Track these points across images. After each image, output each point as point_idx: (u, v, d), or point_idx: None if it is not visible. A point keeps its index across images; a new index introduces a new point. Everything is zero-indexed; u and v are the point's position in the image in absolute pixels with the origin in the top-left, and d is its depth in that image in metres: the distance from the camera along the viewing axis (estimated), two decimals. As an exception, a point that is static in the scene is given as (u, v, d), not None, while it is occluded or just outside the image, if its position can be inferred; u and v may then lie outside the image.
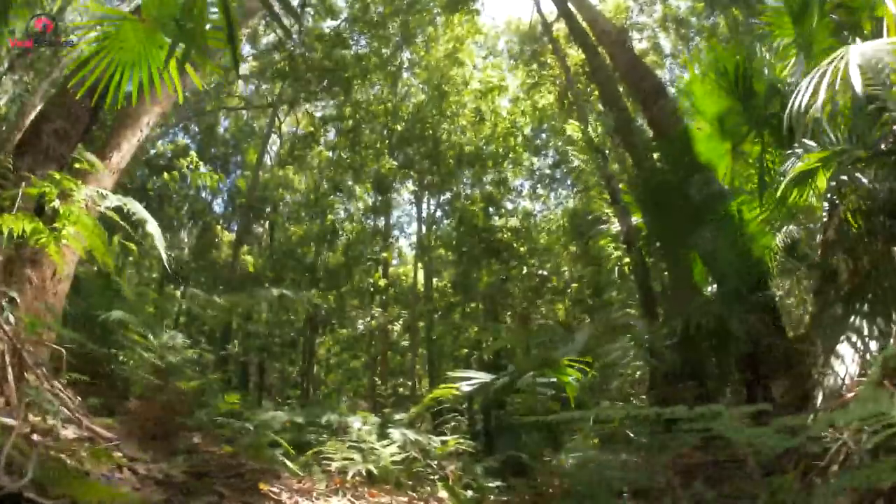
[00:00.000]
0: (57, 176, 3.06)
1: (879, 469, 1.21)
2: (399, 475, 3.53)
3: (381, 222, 16.99)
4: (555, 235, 14.83)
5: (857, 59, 2.66)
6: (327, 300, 13.81)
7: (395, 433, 4.18)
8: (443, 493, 3.38)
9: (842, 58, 2.75)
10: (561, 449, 4.22)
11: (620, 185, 4.70)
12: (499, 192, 14.67)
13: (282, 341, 15.31)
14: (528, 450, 3.94)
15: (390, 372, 15.84)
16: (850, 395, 2.14)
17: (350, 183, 15.62)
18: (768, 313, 4.11)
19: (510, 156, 14.61)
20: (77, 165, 3.80)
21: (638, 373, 3.68)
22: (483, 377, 3.60)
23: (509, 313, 12.73)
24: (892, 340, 2.41)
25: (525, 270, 13.08)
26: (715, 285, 4.30)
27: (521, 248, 13.49)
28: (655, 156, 5.00)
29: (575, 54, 11.75)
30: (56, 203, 3.06)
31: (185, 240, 17.78)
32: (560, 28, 11.97)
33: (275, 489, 2.50)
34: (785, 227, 4.23)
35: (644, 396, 3.77)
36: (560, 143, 15.22)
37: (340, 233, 15.83)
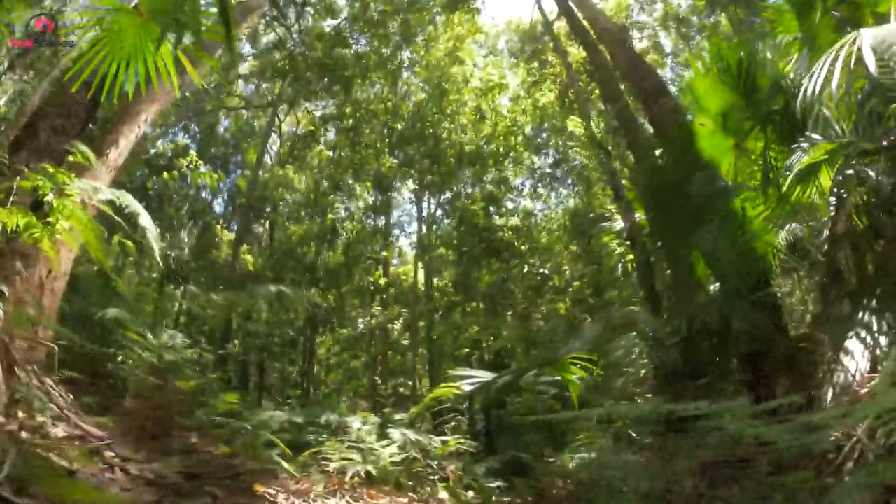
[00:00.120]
0: (51, 169, 3.01)
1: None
2: (399, 476, 3.48)
3: (382, 222, 16.96)
4: (556, 235, 14.78)
5: (870, 41, 2.61)
6: (327, 299, 13.77)
7: (395, 433, 4.14)
8: (443, 494, 3.33)
9: (853, 41, 2.70)
10: (563, 449, 4.17)
11: (623, 182, 4.65)
12: (499, 191, 14.63)
13: (281, 341, 15.28)
14: (530, 450, 3.89)
15: (391, 372, 15.80)
16: (862, 391, 2.09)
17: (350, 182, 15.58)
18: (771, 312, 4.06)
19: (511, 155, 14.56)
20: (71, 158, 3.75)
21: (642, 371, 3.62)
22: (484, 376, 3.55)
23: (510, 313, 12.68)
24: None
25: (526, 269, 13.03)
26: (717, 284, 4.25)
27: (522, 247, 13.44)
28: (657, 153, 4.95)
29: (576, 52, 11.71)
30: (50, 197, 3.02)
31: (185, 239, 17.76)
32: (561, 26, 11.93)
33: (271, 490, 2.45)
34: (788, 225, 4.19)
35: (648, 396, 3.71)
36: (561, 142, 15.19)
37: (340, 232, 15.79)
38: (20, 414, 2.21)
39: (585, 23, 9.08)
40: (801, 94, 2.97)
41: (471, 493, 3.61)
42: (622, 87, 8.64)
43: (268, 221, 17.33)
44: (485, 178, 14.79)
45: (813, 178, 3.87)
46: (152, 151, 15.26)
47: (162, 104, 4.80)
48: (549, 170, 16.71)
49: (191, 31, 2.34)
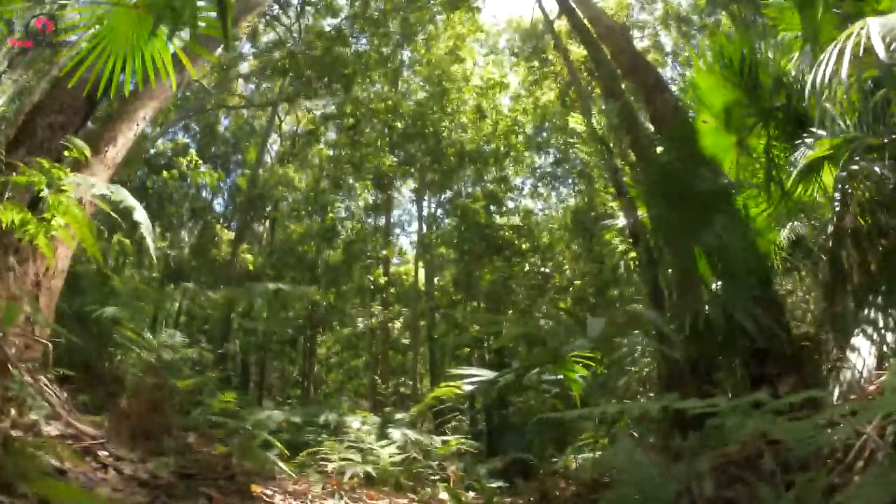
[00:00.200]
0: (46, 164, 2.98)
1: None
2: (399, 476, 3.44)
3: (382, 221, 16.94)
4: (557, 234, 14.75)
5: (878, 28, 2.57)
6: (327, 298, 13.75)
7: (396, 433, 4.10)
8: (444, 495, 3.29)
9: (861, 29, 2.66)
10: (565, 449, 4.13)
11: (625, 179, 4.61)
12: (500, 189, 14.59)
13: (281, 339, 15.27)
14: (533, 450, 3.86)
15: (391, 371, 15.77)
16: (870, 388, 2.05)
17: (350, 181, 15.55)
18: (774, 310, 4.03)
19: (511, 154, 14.53)
20: (67, 154, 3.72)
21: (646, 370, 3.58)
22: (486, 374, 3.50)
23: (511, 311, 12.64)
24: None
25: (527, 268, 13.00)
26: (720, 282, 4.22)
27: (524, 246, 13.41)
28: (659, 150, 4.91)
29: (577, 51, 11.67)
30: (45, 192, 2.98)
31: (185, 239, 17.75)
32: (561, 25, 11.89)
33: (268, 491, 2.41)
34: (790, 224, 4.16)
35: (651, 395, 3.67)
36: (561, 141, 15.15)
37: (340, 230, 15.78)
38: (12, 412, 2.18)
39: (586, 21, 9.06)
40: (809, 82, 2.92)
41: (472, 494, 3.57)
42: (623, 85, 8.61)
43: (268, 220, 17.31)
44: (486, 176, 14.75)
45: (815, 175, 3.84)
46: (152, 151, 15.25)
47: (161, 102, 4.76)
48: (549, 169, 16.68)
49: (187, 24, 2.30)
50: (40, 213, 3.10)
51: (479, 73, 14.63)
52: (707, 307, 3.67)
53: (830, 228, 3.21)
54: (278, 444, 3.56)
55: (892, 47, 2.53)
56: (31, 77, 14.27)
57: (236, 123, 17.93)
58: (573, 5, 9.41)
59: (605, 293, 10.83)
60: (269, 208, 16.80)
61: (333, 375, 18.40)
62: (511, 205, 15.48)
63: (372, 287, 15.02)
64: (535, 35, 14.69)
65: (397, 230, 19.15)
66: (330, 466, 3.26)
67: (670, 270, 4.29)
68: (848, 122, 3.23)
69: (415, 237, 17.41)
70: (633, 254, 4.55)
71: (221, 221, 17.43)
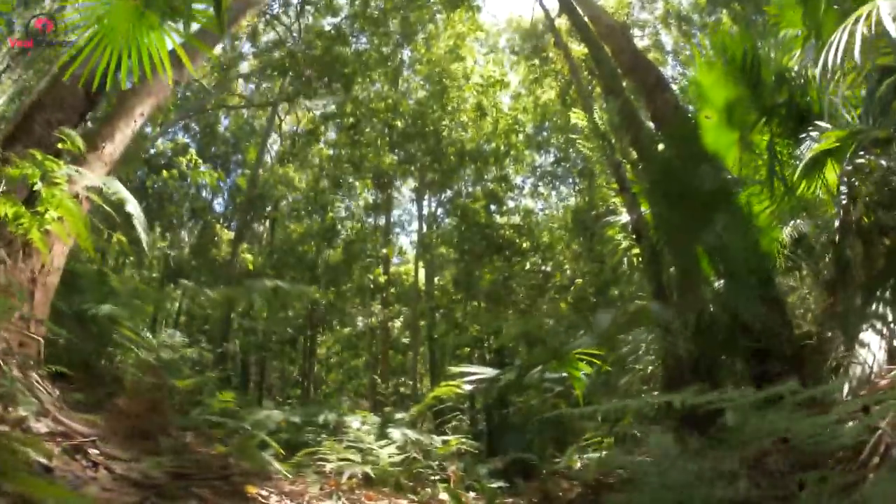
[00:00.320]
0: (39, 156, 2.94)
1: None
2: (398, 476, 3.40)
3: (382, 220, 16.91)
4: (557, 234, 14.71)
5: (889, 9, 2.53)
6: (327, 297, 13.72)
7: (395, 433, 4.06)
8: (444, 496, 3.25)
9: (869, 13, 2.62)
10: (566, 449, 4.10)
11: (628, 175, 4.58)
12: (501, 188, 14.55)
13: (281, 339, 15.25)
14: (533, 450, 3.81)
15: (391, 371, 15.74)
16: (882, 382, 2.02)
17: (350, 180, 15.52)
18: (776, 309, 4.00)
19: (512, 153, 14.49)
20: (60, 146, 3.68)
21: (650, 368, 3.55)
22: (487, 372, 3.46)
23: (511, 311, 12.60)
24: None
25: (528, 266, 12.96)
26: (722, 280, 4.19)
27: (524, 245, 13.37)
28: (661, 147, 4.88)
29: (577, 49, 11.64)
30: (39, 185, 2.95)
31: (185, 238, 17.73)
32: (561, 23, 11.87)
33: (263, 492, 2.37)
34: (793, 221, 4.13)
35: (655, 394, 3.63)
36: (562, 140, 15.11)
37: (340, 228, 15.75)
38: (0, 407, 2.15)
39: (587, 19, 9.03)
40: (819, 65, 2.87)
41: (472, 495, 3.53)
42: (624, 84, 8.59)
43: (268, 220, 17.30)
44: (486, 176, 14.72)
45: (818, 172, 3.81)
46: (152, 151, 15.23)
47: (159, 99, 4.73)
48: (549, 168, 16.66)
49: (181, 14, 2.27)
50: (35, 208, 3.07)
51: (480, 72, 14.59)
52: (709, 306, 3.64)
53: (837, 223, 3.17)
54: (274, 444, 3.52)
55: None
56: (31, 77, 14.27)
57: (236, 123, 17.91)
58: (574, 4, 9.38)
59: (606, 293, 10.79)
60: (269, 208, 16.78)
61: (333, 375, 18.37)
62: (511, 204, 15.46)
63: (372, 286, 14.99)
64: (535, 35, 14.66)
65: (397, 230, 19.14)
66: (328, 467, 3.22)
67: (672, 269, 4.26)
68: (854, 114, 3.19)
69: (415, 237, 17.39)
70: (635, 250, 4.51)
71: (221, 221, 17.41)
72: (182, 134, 16.81)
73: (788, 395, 1.36)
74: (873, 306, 2.43)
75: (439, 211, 16.43)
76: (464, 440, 4.32)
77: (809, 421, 1.31)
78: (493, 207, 14.38)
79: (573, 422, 4.94)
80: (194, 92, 15.34)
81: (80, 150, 3.63)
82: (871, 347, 2.24)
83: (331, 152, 15.69)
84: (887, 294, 2.44)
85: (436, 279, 15.85)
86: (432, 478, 3.70)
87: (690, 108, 4.84)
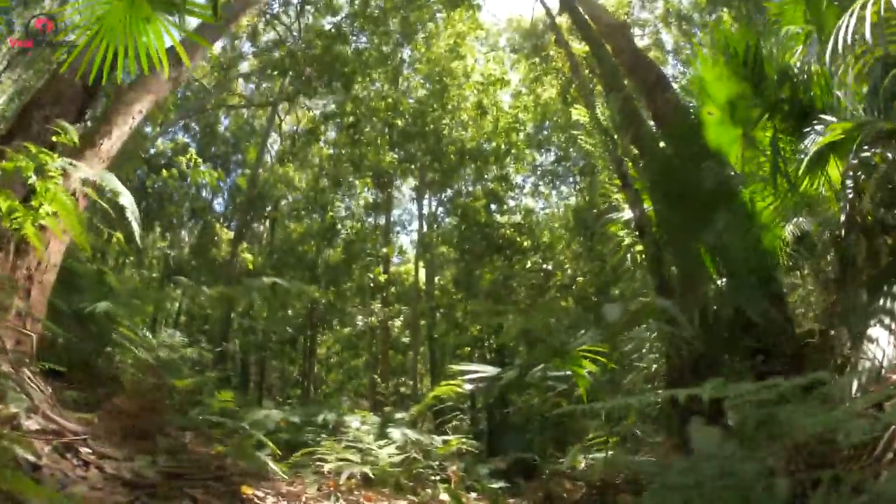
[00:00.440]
0: (33, 150, 2.91)
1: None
2: (398, 477, 3.37)
3: (382, 220, 16.89)
4: (558, 232, 14.68)
5: None
6: (327, 297, 13.70)
7: (395, 433, 4.03)
8: (444, 496, 3.22)
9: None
10: (566, 449, 4.07)
11: (630, 171, 4.55)
12: (501, 188, 14.53)
13: (281, 339, 15.23)
14: (534, 450, 3.78)
15: (392, 371, 15.72)
16: (893, 377, 1.99)
17: (351, 179, 15.49)
18: (778, 306, 3.98)
19: (512, 151, 14.46)
20: (54, 139, 3.66)
21: (654, 366, 3.51)
22: (488, 370, 3.42)
23: (512, 311, 12.57)
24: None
25: (529, 265, 12.93)
26: (724, 278, 4.17)
27: (525, 244, 13.34)
28: (663, 144, 4.85)
29: (578, 48, 11.61)
30: (33, 179, 2.92)
31: (186, 238, 17.72)
32: (562, 21, 11.84)
33: (259, 493, 2.34)
34: (795, 219, 4.10)
35: (659, 392, 3.60)
36: (563, 139, 15.08)
37: (340, 228, 15.73)
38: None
39: (587, 18, 9.01)
40: (829, 48, 2.84)
41: (473, 495, 3.51)
42: (625, 82, 8.57)
43: (268, 220, 17.29)
44: (486, 175, 14.69)
45: (821, 169, 3.79)
46: (152, 151, 15.22)
47: (158, 96, 4.70)
48: (550, 167, 16.63)
49: (178, 8, 2.25)
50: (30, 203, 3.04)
51: (480, 70, 14.55)
52: (714, 302, 3.61)
53: (843, 217, 3.14)
54: (270, 444, 3.49)
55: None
56: (31, 77, 14.25)
57: (236, 123, 17.90)
58: (574, 2, 9.36)
59: (607, 292, 10.76)
60: (269, 208, 16.77)
61: (333, 375, 18.36)
62: (512, 203, 15.43)
63: (372, 285, 14.97)
64: (536, 34, 14.64)
65: (397, 229, 19.11)
66: (327, 467, 3.18)
67: (674, 268, 4.23)
68: (859, 107, 3.16)
69: (415, 236, 17.37)
70: (638, 247, 4.48)
71: (221, 221, 17.41)
72: (182, 134, 16.83)
73: (814, 389, 1.32)
74: (880, 301, 2.40)
75: (439, 210, 16.41)
76: (464, 440, 4.28)
77: (823, 417, 1.28)
78: (493, 207, 14.35)
79: (574, 421, 4.91)
80: (194, 92, 15.33)
81: (75, 142, 3.61)
82: (880, 343, 2.21)
83: (331, 152, 15.66)
84: (895, 289, 2.41)
85: (436, 279, 15.82)
86: (432, 478, 3.67)
87: (692, 106, 4.82)
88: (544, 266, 12.86)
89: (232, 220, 17.19)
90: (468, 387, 4.20)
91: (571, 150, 15.06)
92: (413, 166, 14.65)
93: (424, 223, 16.12)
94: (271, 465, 2.96)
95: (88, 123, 6.19)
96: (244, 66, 16.21)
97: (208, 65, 15.06)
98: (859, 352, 2.24)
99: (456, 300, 14.39)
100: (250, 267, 13.88)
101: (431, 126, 13.54)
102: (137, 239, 3.58)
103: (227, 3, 6.08)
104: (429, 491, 3.38)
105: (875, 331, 2.27)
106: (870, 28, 2.59)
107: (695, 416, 1.57)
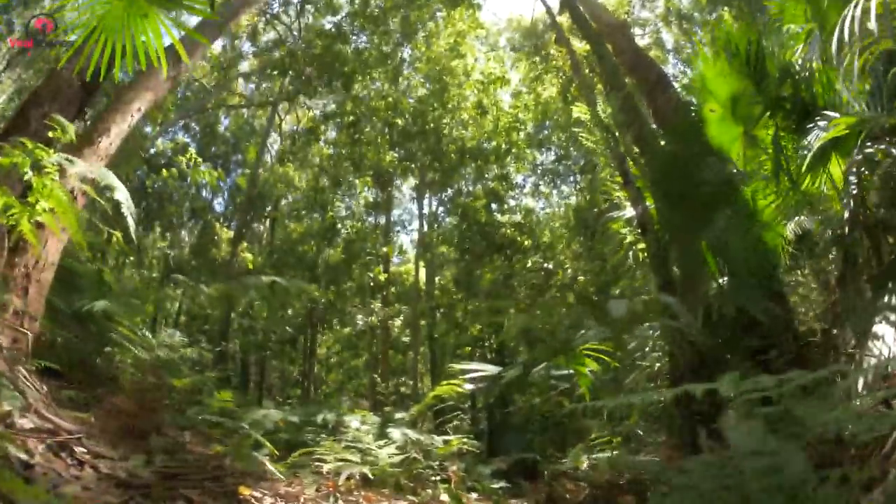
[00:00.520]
0: (29, 145, 2.89)
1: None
2: (398, 477, 3.35)
3: (382, 220, 16.87)
4: (558, 232, 14.65)
5: None
6: (327, 296, 13.68)
7: (395, 433, 4.00)
8: (444, 497, 3.19)
9: None
10: (566, 449, 4.04)
11: (632, 169, 4.52)
12: (501, 187, 14.50)
13: (281, 339, 15.22)
14: (534, 450, 3.75)
15: (392, 371, 15.69)
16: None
17: (351, 178, 15.47)
18: (780, 305, 3.96)
19: (513, 151, 14.43)
20: (51, 134, 3.64)
21: (657, 365, 3.49)
22: (489, 369, 3.39)
23: (512, 310, 12.54)
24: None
25: (529, 264, 12.90)
26: (725, 277, 4.15)
27: (526, 243, 13.31)
28: (665, 141, 4.83)
29: (579, 46, 11.58)
30: (29, 175, 2.89)
31: (186, 238, 17.71)
32: (562, 19, 11.82)
33: (257, 493, 2.31)
34: (796, 218, 4.08)
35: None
36: (563, 138, 15.05)
37: (340, 227, 15.71)
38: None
39: (588, 17, 9.00)
40: (835, 38, 2.81)
41: (473, 496, 3.48)
42: (626, 80, 8.55)
43: (268, 219, 17.28)
44: (486, 175, 14.66)
45: (823, 167, 3.77)
46: (152, 150, 15.21)
47: (156, 94, 4.68)
48: (551, 166, 16.61)
49: (176, 3, 2.22)
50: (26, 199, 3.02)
51: (480, 69, 14.53)
52: (713, 304, 3.59)
53: (847, 214, 3.11)
54: (268, 444, 3.46)
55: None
56: (30, 77, 14.23)
57: (236, 123, 17.88)
58: (575, 1, 9.34)
59: (608, 291, 10.73)
60: (269, 207, 16.76)
61: (334, 375, 18.34)
62: (512, 203, 15.40)
63: (372, 284, 14.95)
64: (536, 33, 14.62)
65: (397, 228, 19.09)
66: (326, 467, 3.15)
67: (675, 267, 4.21)
68: (862, 103, 3.14)
69: (415, 236, 17.34)
70: (640, 245, 4.46)
71: (221, 221, 17.40)
72: (182, 134, 16.81)
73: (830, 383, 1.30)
74: (885, 298, 2.37)
75: (440, 210, 16.39)
76: (465, 440, 4.25)
77: (842, 414, 1.25)
78: (493, 206, 14.33)
79: (574, 421, 4.88)
80: (194, 92, 15.32)
81: (71, 137, 3.59)
82: (886, 340, 2.18)
83: (331, 151, 15.65)
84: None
85: (436, 279, 15.80)
86: (433, 478, 3.64)
87: (693, 104, 4.80)
88: (545, 265, 12.82)
89: (232, 220, 17.17)
90: (469, 386, 4.17)
91: (572, 149, 15.03)
92: (413, 165, 14.62)
93: (425, 223, 16.10)
94: (268, 465, 2.93)
95: (88, 122, 6.17)
96: (244, 66, 16.20)
97: (208, 65, 15.06)
98: (864, 349, 2.22)
99: (456, 300, 14.37)
100: (250, 267, 13.87)
101: (432, 125, 13.51)
102: (133, 235, 3.55)
103: (226, 1, 6.06)
104: (429, 491, 3.35)
105: (880, 328, 2.24)
106: (875, 19, 2.57)
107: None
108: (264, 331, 14.26)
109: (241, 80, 16.50)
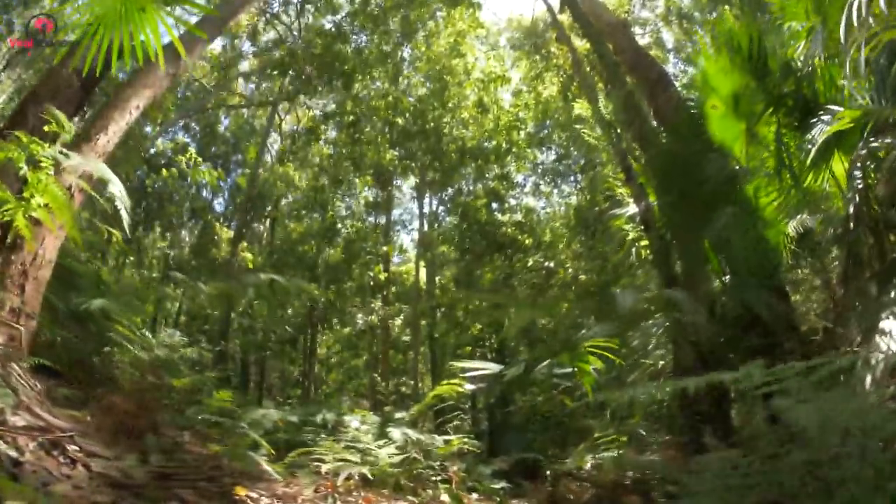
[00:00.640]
0: (24, 139, 2.86)
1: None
2: (398, 477, 3.31)
3: (383, 219, 16.85)
4: (559, 231, 14.61)
5: None
6: (327, 296, 13.65)
7: (395, 432, 3.97)
8: (445, 497, 3.16)
9: None
10: (567, 449, 4.01)
11: (634, 165, 4.50)
12: (502, 187, 14.47)
13: (281, 339, 15.19)
14: (535, 449, 3.71)
15: (392, 371, 15.66)
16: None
17: (351, 178, 15.44)
18: (783, 303, 3.93)
19: (513, 150, 14.40)
20: (46, 128, 3.61)
21: (660, 363, 3.45)
22: (491, 367, 3.35)
23: (513, 310, 12.49)
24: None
25: (530, 262, 12.86)
26: (728, 275, 4.12)
27: (527, 241, 13.27)
28: (666, 138, 4.80)
29: (579, 45, 11.56)
30: (24, 170, 2.87)
31: (186, 238, 17.69)
32: (563, 18, 11.80)
33: (254, 494, 2.28)
34: (798, 215, 4.06)
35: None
36: (563, 137, 15.02)
37: (340, 227, 15.68)
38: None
39: (588, 15, 8.97)
40: (842, 23, 2.79)
41: (474, 496, 3.45)
42: (627, 79, 8.52)
43: (268, 219, 17.25)
44: (487, 174, 14.64)
45: (825, 164, 3.74)
46: (152, 150, 15.19)
47: (155, 91, 4.65)
48: (551, 166, 16.58)
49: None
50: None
51: (481, 68, 14.50)
52: (716, 302, 3.56)
53: (851, 208, 3.08)
54: (265, 444, 3.43)
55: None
56: (30, 76, 14.21)
57: (236, 123, 17.86)
58: (576, 0, 9.31)
59: (609, 290, 10.69)
60: (269, 207, 16.74)
61: (334, 375, 18.31)
62: (513, 202, 15.37)
63: (372, 284, 14.92)
64: (536, 32, 14.59)
65: (398, 228, 19.07)
66: (325, 467, 3.12)
67: (680, 262, 4.18)
68: (866, 96, 3.11)
69: (416, 235, 17.32)
70: (643, 242, 4.43)
71: (222, 221, 17.38)
72: (182, 133, 16.79)
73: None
74: (892, 294, 2.35)
75: (440, 209, 16.36)
76: (465, 440, 4.21)
77: (849, 411, 1.22)
78: (494, 206, 14.29)
79: (575, 420, 4.85)
80: (194, 91, 15.30)
81: (67, 131, 3.56)
82: (894, 335, 2.15)
83: (331, 151, 15.62)
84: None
85: (437, 278, 15.77)
86: (433, 479, 3.61)
87: (694, 102, 4.78)
88: (546, 264, 12.78)
89: (232, 220, 17.15)
90: (469, 386, 4.14)
91: (572, 148, 15.00)
92: (414, 165, 14.59)
93: (425, 222, 16.07)
94: (264, 465, 2.89)
95: (86, 120, 6.14)
96: (244, 66, 16.19)
97: (208, 64, 15.04)
98: (870, 345, 2.19)
99: (457, 299, 14.34)
100: (250, 266, 13.84)
101: (432, 125, 13.48)
102: (126, 228, 3.52)
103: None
104: (429, 492, 3.32)
105: (888, 323, 2.22)
106: (885, 4, 2.54)
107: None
108: (264, 330, 14.23)
109: (241, 80, 16.48)
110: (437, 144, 13.47)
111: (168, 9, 2.52)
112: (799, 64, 4.18)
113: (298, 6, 13.99)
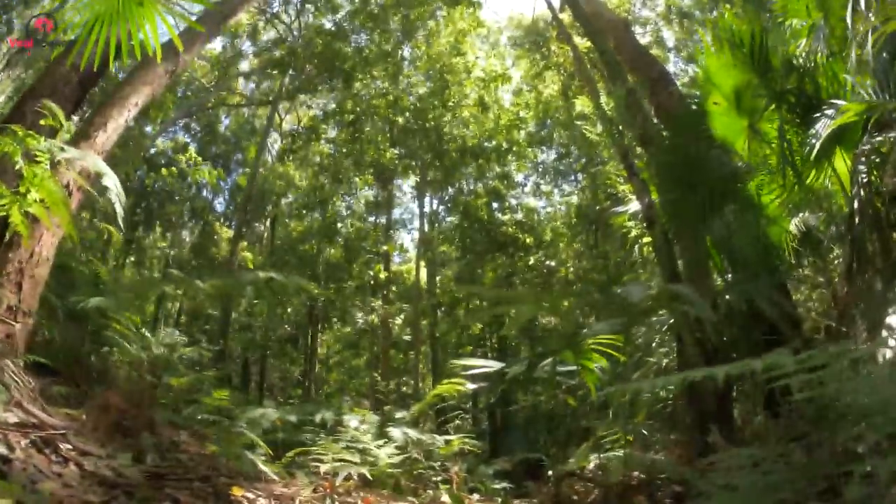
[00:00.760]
0: (20, 133, 2.83)
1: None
2: (398, 478, 3.28)
3: (383, 219, 16.82)
4: (560, 230, 14.59)
5: None
6: (328, 295, 13.62)
7: (396, 432, 3.93)
8: (446, 498, 3.12)
9: None
10: (569, 449, 3.97)
11: (637, 162, 4.46)
12: (503, 186, 14.45)
13: (281, 338, 15.16)
14: (538, 449, 3.68)
15: (393, 370, 15.63)
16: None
17: (351, 176, 15.41)
18: (786, 301, 3.89)
19: (514, 149, 14.37)
20: (42, 122, 3.58)
21: (665, 361, 3.41)
22: (493, 365, 3.31)
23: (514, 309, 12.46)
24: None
25: (531, 261, 12.83)
26: (731, 273, 4.09)
27: (528, 240, 13.25)
28: (668, 135, 4.76)
29: (580, 43, 11.53)
30: (20, 164, 2.83)
31: (186, 238, 17.68)
32: (564, 16, 11.77)
33: (250, 494, 2.24)
34: (801, 213, 4.03)
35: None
36: (564, 136, 14.99)
37: (340, 226, 15.65)
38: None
39: (589, 14, 8.95)
40: (848, 10, 2.76)
41: (476, 496, 3.41)
42: (629, 78, 8.49)
43: (268, 218, 17.23)
44: (488, 173, 14.61)
45: (828, 161, 3.71)
46: (152, 150, 15.18)
47: (154, 88, 4.61)
48: (552, 164, 16.56)
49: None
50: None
51: (481, 66, 14.47)
52: (720, 298, 3.54)
53: (855, 204, 3.05)
54: (261, 443, 3.39)
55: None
56: (30, 76, 14.20)
57: (236, 122, 17.84)
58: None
59: (610, 290, 10.67)
60: (269, 207, 16.72)
61: (335, 375, 18.28)
62: (513, 202, 15.34)
63: (372, 283, 14.89)
64: (537, 31, 14.57)
65: (398, 227, 19.04)
66: (323, 467, 3.08)
67: (680, 263, 4.16)
68: (869, 90, 3.08)
69: (416, 235, 17.28)
70: (646, 239, 4.39)
71: (222, 220, 17.37)
72: (182, 133, 16.79)
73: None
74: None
75: (441, 209, 16.34)
76: (467, 440, 4.17)
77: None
78: (495, 205, 14.26)
79: (577, 420, 4.82)
80: (194, 91, 15.28)
81: (62, 123, 3.54)
82: (899, 330, 2.13)
83: (331, 150, 15.60)
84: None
85: (437, 278, 15.74)
86: (434, 479, 3.57)
87: (695, 100, 4.74)
88: (547, 263, 12.75)
89: (232, 220, 17.14)
90: (471, 385, 4.10)
91: (573, 147, 14.96)
92: (414, 164, 14.56)
93: (426, 221, 16.04)
94: (262, 465, 2.85)
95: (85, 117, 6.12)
96: (244, 65, 16.18)
97: (208, 63, 15.03)
98: (879, 341, 2.16)
99: (458, 299, 14.31)
100: (250, 266, 13.83)
101: (432, 123, 13.45)
102: (120, 221, 3.49)
103: (225, -2, 6.01)
104: (430, 492, 3.28)
105: (893, 319, 2.18)
106: None
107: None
108: (264, 329, 14.21)
109: (241, 79, 16.47)
110: (438, 143, 13.44)
111: (167, 3, 2.48)
112: (801, 60, 4.15)
113: (298, 5, 13.99)
